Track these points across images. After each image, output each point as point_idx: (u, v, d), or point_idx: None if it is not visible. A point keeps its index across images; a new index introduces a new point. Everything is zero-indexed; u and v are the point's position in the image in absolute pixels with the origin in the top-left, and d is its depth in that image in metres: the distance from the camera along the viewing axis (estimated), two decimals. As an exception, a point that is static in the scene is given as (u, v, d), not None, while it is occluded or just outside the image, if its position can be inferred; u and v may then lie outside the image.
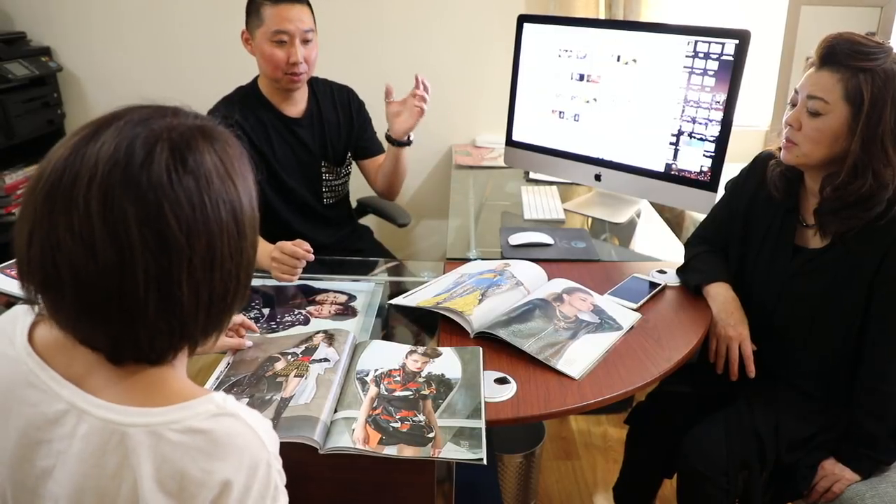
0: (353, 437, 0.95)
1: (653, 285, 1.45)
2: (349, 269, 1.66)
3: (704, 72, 1.60)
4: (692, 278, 1.43)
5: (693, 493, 1.32)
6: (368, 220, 2.21)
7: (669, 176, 1.72)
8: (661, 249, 1.73)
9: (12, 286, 1.31)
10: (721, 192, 1.54)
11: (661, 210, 2.04)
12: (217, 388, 1.06)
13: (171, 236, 0.57)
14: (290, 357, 1.14)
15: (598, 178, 1.87)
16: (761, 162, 1.38)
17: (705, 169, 1.65)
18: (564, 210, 1.94)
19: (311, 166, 1.79)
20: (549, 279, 1.44)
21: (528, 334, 1.21)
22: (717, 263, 1.43)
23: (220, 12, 2.47)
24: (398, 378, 1.09)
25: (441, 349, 1.18)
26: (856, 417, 1.26)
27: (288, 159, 1.74)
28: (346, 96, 1.85)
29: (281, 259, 1.37)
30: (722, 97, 1.58)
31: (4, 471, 0.64)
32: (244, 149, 0.67)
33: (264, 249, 1.39)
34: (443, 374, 1.10)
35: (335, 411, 1.00)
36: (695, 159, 1.66)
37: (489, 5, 2.51)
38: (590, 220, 1.94)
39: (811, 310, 1.29)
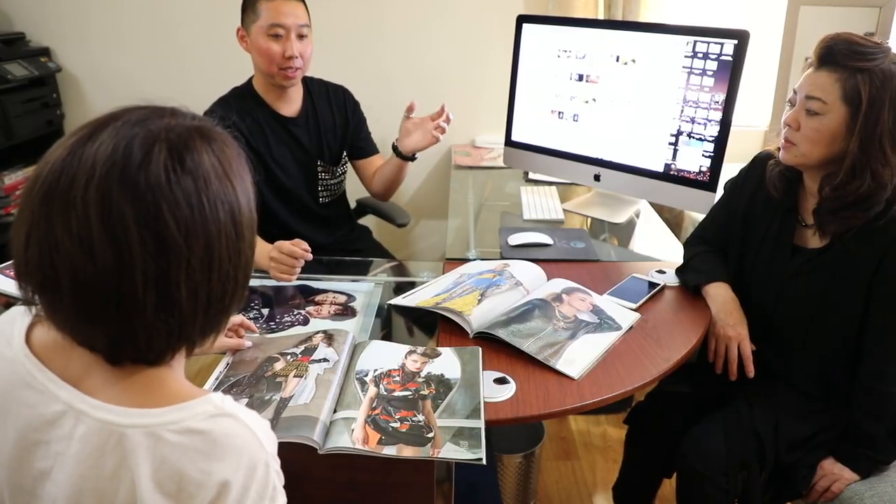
0: (352, 437, 0.95)
1: (652, 285, 1.45)
2: (348, 270, 1.66)
3: (703, 72, 1.60)
4: (691, 278, 1.43)
5: (692, 493, 1.32)
6: (367, 221, 2.21)
7: (668, 176, 1.72)
8: (660, 249, 1.74)
9: (11, 287, 1.31)
10: (720, 192, 1.54)
11: (660, 210, 2.04)
12: (216, 389, 1.06)
13: (170, 237, 0.57)
14: (289, 357, 1.14)
15: (597, 178, 1.87)
16: (760, 162, 1.39)
17: (704, 169, 1.65)
18: (564, 210, 1.94)
19: (307, 166, 1.79)
20: (549, 279, 1.44)
21: (527, 334, 1.21)
22: (717, 263, 1.43)
23: (219, 12, 2.47)
24: (397, 378, 1.09)
25: (440, 349, 1.18)
26: (855, 417, 1.26)
27: (284, 159, 1.74)
28: (342, 96, 1.85)
29: (279, 259, 1.37)
30: (721, 97, 1.58)
31: (2, 472, 0.64)
32: (241, 149, 0.67)
33: (262, 249, 1.39)
34: (442, 375, 1.10)
35: (334, 411, 1.00)
36: (694, 159, 1.66)
37: (488, 6, 2.51)
38: (589, 220, 1.94)
39: (810, 310, 1.29)
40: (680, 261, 1.51)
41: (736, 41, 1.53)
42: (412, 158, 1.74)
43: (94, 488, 0.60)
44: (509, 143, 2.04)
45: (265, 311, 1.36)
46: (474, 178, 2.29)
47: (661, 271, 1.52)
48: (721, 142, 1.60)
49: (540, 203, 1.98)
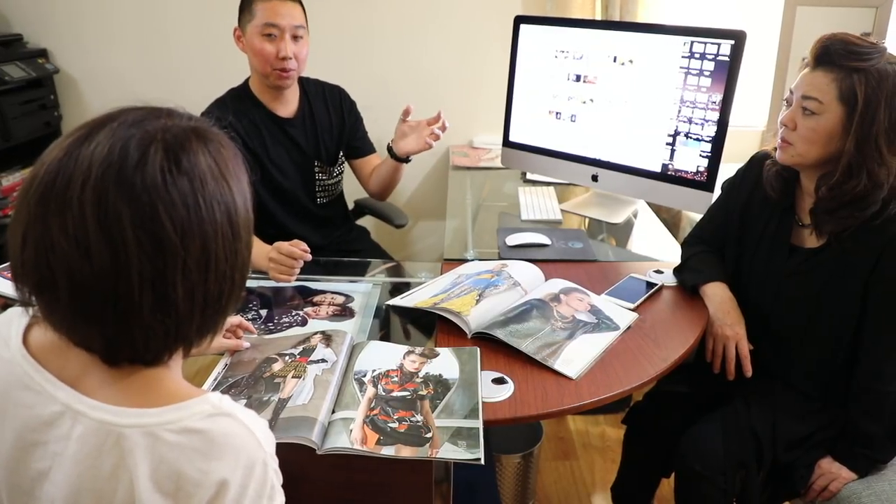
0: (350, 437, 0.95)
1: (650, 285, 1.45)
2: (346, 271, 1.66)
3: (700, 72, 1.60)
4: (689, 278, 1.43)
5: (691, 492, 1.32)
6: (366, 221, 2.21)
7: (666, 176, 1.72)
8: (658, 249, 1.74)
9: (8, 288, 1.31)
10: (717, 192, 1.54)
11: (657, 210, 2.04)
12: (215, 389, 1.06)
13: (166, 238, 0.57)
14: (287, 358, 1.14)
15: (594, 178, 1.87)
16: (757, 162, 1.39)
17: (702, 169, 1.65)
18: (561, 210, 1.94)
19: (304, 166, 1.79)
20: (547, 279, 1.44)
21: (525, 334, 1.21)
22: (714, 263, 1.43)
23: (217, 14, 2.47)
24: (396, 378, 1.09)
25: (438, 349, 1.18)
26: (852, 417, 1.26)
27: (281, 159, 1.75)
28: (338, 96, 1.85)
29: (278, 259, 1.37)
30: (718, 97, 1.58)
31: (0, 473, 0.64)
32: (238, 150, 0.67)
33: (261, 250, 1.39)
34: (440, 375, 1.10)
35: (333, 412, 1.00)
36: (691, 159, 1.67)
37: (486, 6, 2.51)
38: (587, 220, 1.94)
39: (807, 309, 1.29)
40: (678, 261, 1.51)
41: (733, 41, 1.53)
42: (406, 160, 1.74)
43: (93, 488, 0.60)
44: (507, 143, 2.04)
45: (263, 312, 1.36)
46: (472, 179, 2.30)
47: (658, 271, 1.53)
48: (718, 142, 1.61)
49: (538, 203, 1.98)
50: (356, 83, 1.92)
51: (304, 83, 1.80)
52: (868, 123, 1.13)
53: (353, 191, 2.04)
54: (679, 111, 1.66)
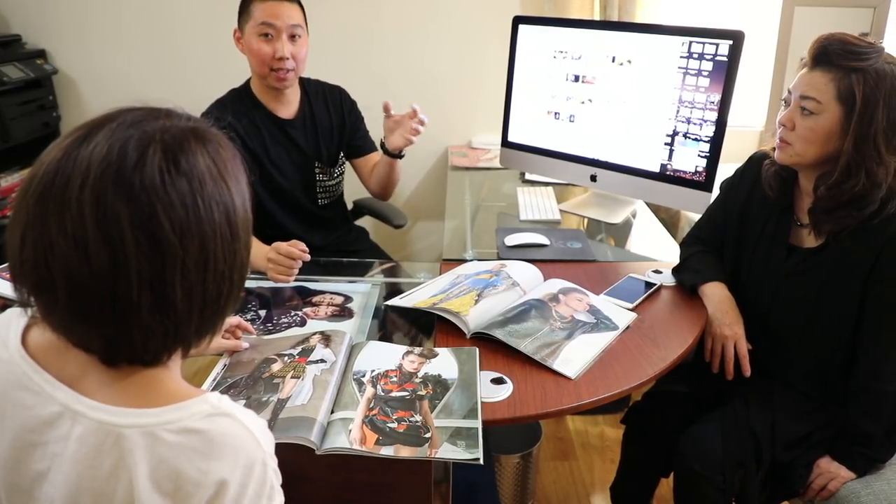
0: (349, 437, 0.95)
1: (648, 285, 1.45)
2: (345, 271, 1.66)
3: (699, 72, 1.61)
4: (688, 278, 1.43)
5: (690, 492, 1.32)
6: (365, 222, 2.21)
7: (664, 176, 1.72)
8: (656, 249, 1.74)
9: (7, 289, 1.31)
10: (716, 192, 1.55)
11: (656, 210, 2.05)
12: (214, 390, 1.06)
13: (165, 238, 0.57)
14: (286, 358, 1.14)
15: (593, 178, 1.87)
16: (755, 162, 1.39)
17: (700, 169, 1.65)
18: (560, 211, 1.95)
19: (305, 168, 1.79)
20: (546, 279, 1.44)
21: (524, 334, 1.21)
22: (713, 263, 1.44)
23: (216, 14, 2.47)
24: (395, 379, 1.09)
25: (437, 350, 1.18)
26: (851, 416, 1.26)
27: (282, 160, 1.75)
28: (338, 96, 1.85)
29: (277, 260, 1.37)
30: (716, 97, 1.58)
31: None
32: (237, 150, 0.67)
33: (260, 251, 1.39)
34: (439, 375, 1.10)
35: (332, 412, 1.00)
36: (690, 159, 1.67)
37: (484, 6, 2.51)
38: (585, 220, 1.94)
39: (806, 309, 1.29)
40: (676, 261, 1.52)
41: (731, 42, 1.54)
42: (400, 156, 1.73)
43: (92, 488, 0.60)
44: (506, 143, 2.04)
45: (262, 313, 1.36)
46: (471, 179, 2.30)
47: (657, 271, 1.53)
48: (717, 142, 1.61)
49: (536, 204, 1.98)
50: (356, 83, 1.92)
51: (305, 84, 1.79)
52: (866, 123, 1.13)
53: (352, 191, 2.04)
54: (677, 111, 1.66)
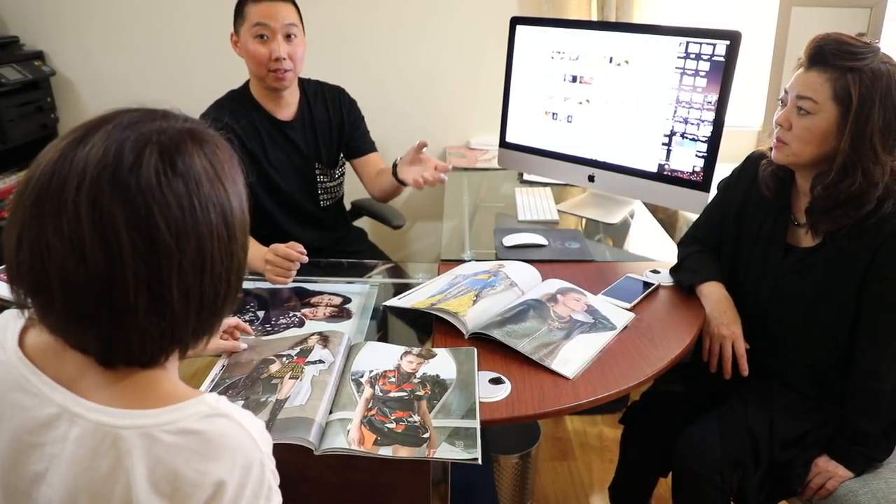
0: (348, 438, 0.95)
1: (646, 285, 1.45)
2: (344, 272, 1.66)
3: (696, 72, 1.61)
4: (685, 278, 1.44)
5: (688, 492, 1.33)
6: (363, 223, 2.21)
7: (662, 176, 1.73)
8: (654, 249, 1.74)
9: (4, 290, 1.31)
10: (713, 192, 1.55)
11: (654, 210, 2.05)
12: (212, 391, 1.06)
13: (161, 239, 0.57)
14: (284, 359, 1.14)
15: (591, 178, 1.88)
16: (753, 162, 1.39)
17: (697, 169, 1.66)
18: (558, 211, 1.95)
19: (304, 169, 1.79)
20: (544, 280, 1.44)
21: (522, 335, 1.21)
22: (710, 263, 1.44)
23: (214, 16, 2.47)
24: (393, 379, 1.09)
25: (436, 350, 1.18)
26: (848, 415, 1.26)
27: (281, 162, 1.74)
28: (338, 96, 1.84)
29: (275, 261, 1.37)
30: (713, 98, 1.59)
31: None
32: (234, 152, 0.67)
33: (258, 252, 1.39)
34: (437, 375, 1.10)
35: (330, 413, 1.00)
36: (687, 160, 1.67)
37: (482, 7, 2.51)
38: (584, 220, 1.94)
39: (803, 308, 1.29)
40: (674, 261, 1.52)
41: (728, 42, 1.54)
42: (402, 181, 1.70)
43: (90, 490, 0.60)
44: (503, 144, 2.04)
45: (260, 314, 1.36)
46: (469, 180, 2.30)
47: (655, 271, 1.53)
48: (714, 142, 1.61)
49: (534, 204, 1.99)
50: (354, 84, 1.92)
51: (304, 85, 1.79)
52: (863, 123, 1.13)
53: (350, 192, 2.04)
54: (675, 111, 1.67)
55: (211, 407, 0.63)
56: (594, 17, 2.46)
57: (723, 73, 1.56)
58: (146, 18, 2.52)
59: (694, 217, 1.62)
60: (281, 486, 0.68)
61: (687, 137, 1.66)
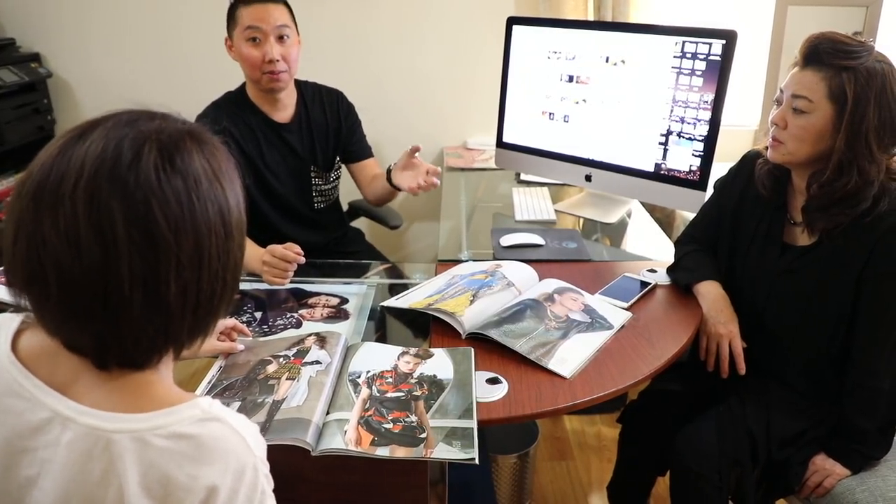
0: (345, 438, 0.95)
1: (643, 284, 1.46)
2: (341, 272, 1.66)
3: (692, 72, 1.61)
4: (682, 277, 1.44)
5: (686, 491, 1.33)
6: (360, 223, 2.21)
7: (659, 176, 1.73)
8: (652, 249, 1.74)
9: (2, 293, 1.31)
10: (710, 191, 1.55)
11: (652, 210, 2.05)
12: (209, 392, 1.06)
13: (159, 234, 0.57)
14: (281, 360, 1.14)
15: (588, 178, 1.88)
16: (749, 161, 1.40)
17: (694, 168, 1.66)
18: (556, 211, 1.95)
19: (300, 171, 1.79)
20: (541, 279, 1.44)
21: (519, 334, 1.21)
22: (707, 262, 1.44)
23: (211, 17, 2.46)
24: (390, 379, 1.09)
25: (433, 350, 1.18)
26: (845, 413, 1.27)
27: (277, 164, 1.74)
28: (336, 100, 1.84)
29: (272, 262, 1.37)
30: (710, 97, 1.59)
31: None
32: (231, 156, 0.68)
33: (255, 253, 1.39)
34: (434, 375, 1.10)
35: (327, 413, 1.00)
36: (684, 159, 1.67)
37: (479, 7, 2.52)
38: (581, 220, 1.94)
39: (800, 306, 1.29)
40: (671, 260, 1.52)
41: (724, 41, 1.54)
42: (396, 186, 1.71)
43: (82, 494, 0.60)
44: (500, 144, 2.05)
45: (258, 315, 1.36)
46: (466, 180, 2.30)
47: (652, 270, 1.53)
48: (710, 141, 1.61)
49: (532, 204, 1.99)
50: (351, 85, 1.93)
51: (302, 87, 1.79)
52: (858, 121, 1.14)
53: (347, 192, 2.04)
54: (671, 111, 1.67)
55: (204, 411, 0.62)
56: (591, 17, 2.46)
57: (719, 73, 1.56)
58: (143, 21, 2.52)
59: (691, 216, 1.62)
60: (278, 487, 0.68)
61: (683, 137, 1.66)
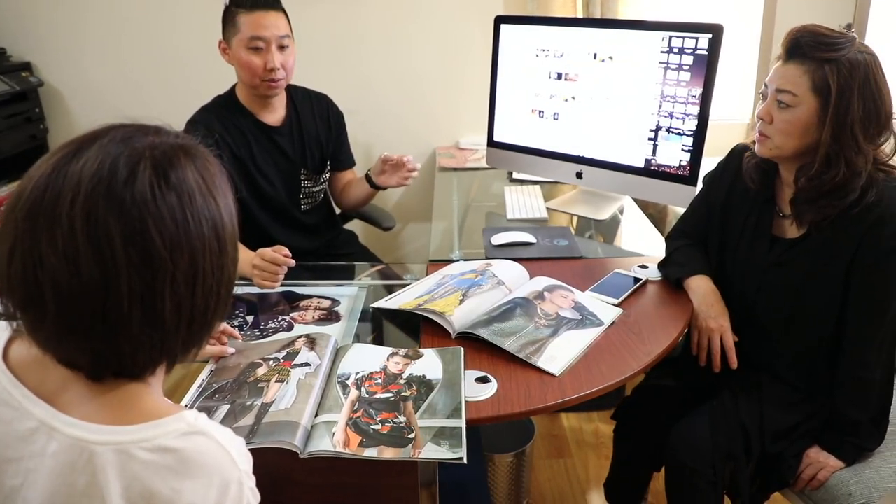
0: (333, 440, 0.95)
1: (634, 280, 1.45)
2: (333, 274, 1.66)
3: (679, 67, 1.61)
4: (673, 272, 1.44)
5: (681, 486, 1.33)
6: (353, 225, 2.21)
7: (649, 171, 1.73)
8: (644, 244, 1.74)
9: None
10: (700, 185, 1.55)
11: (644, 206, 2.05)
12: (199, 395, 1.06)
13: (155, 252, 0.58)
14: (271, 362, 1.14)
15: (579, 175, 1.88)
16: (737, 154, 1.40)
17: (684, 163, 1.66)
18: (548, 209, 1.95)
19: (290, 174, 1.79)
20: (532, 277, 1.44)
21: (508, 333, 1.21)
22: (697, 257, 1.44)
23: (201, 25, 2.47)
24: (379, 380, 1.09)
25: (423, 350, 1.18)
26: (838, 405, 1.26)
27: (268, 167, 1.75)
28: (325, 105, 1.86)
29: (262, 266, 1.37)
30: (698, 91, 1.59)
31: None
32: (223, 166, 0.68)
33: (245, 257, 1.40)
34: (424, 376, 1.10)
35: (316, 415, 1.00)
36: (673, 154, 1.67)
37: (467, 7, 2.51)
38: (574, 217, 1.94)
39: (790, 299, 1.29)
40: (664, 255, 1.52)
41: (710, 35, 1.54)
42: (383, 188, 1.83)
43: None
44: (492, 143, 2.05)
45: (250, 319, 1.36)
46: (459, 180, 2.30)
47: (643, 266, 1.53)
48: (699, 136, 1.62)
49: (524, 202, 1.99)
50: (341, 87, 1.93)
51: (291, 91, 1.80)
52: (843, 113, 1.13)
53: (341, 194, 2.04)
54: (660, 106, 1.67)
55: (189, 424, 0.62)
56: (580, 14, 2.46)
57: (706, 67, 1.56)
58: (134, 30, 2.52)
59: (683, 211, 1.62)
60: (268, 490, 0.67)
61: (673, 132, 1.66)
